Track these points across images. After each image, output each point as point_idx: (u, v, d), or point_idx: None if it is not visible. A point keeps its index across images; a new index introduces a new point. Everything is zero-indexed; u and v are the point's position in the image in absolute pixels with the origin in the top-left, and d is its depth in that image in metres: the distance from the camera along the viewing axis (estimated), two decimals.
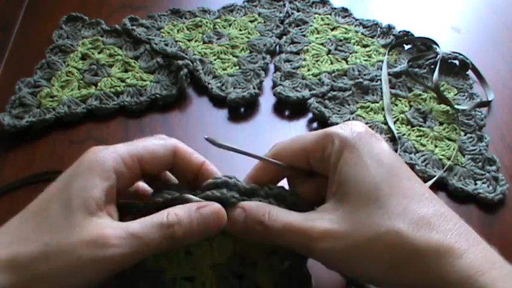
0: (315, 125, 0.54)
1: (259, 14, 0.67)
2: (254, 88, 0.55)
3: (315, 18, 0.66)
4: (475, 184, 0.48)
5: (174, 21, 0.65)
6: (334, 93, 0.56)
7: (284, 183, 0.37)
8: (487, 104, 0.56)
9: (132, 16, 0.64)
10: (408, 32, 0.63)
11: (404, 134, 0.52)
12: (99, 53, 0.60)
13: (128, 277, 0.33)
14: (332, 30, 0.65)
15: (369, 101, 0.55)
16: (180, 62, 0.56)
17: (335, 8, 0.68)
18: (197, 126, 0.53)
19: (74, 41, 0.61)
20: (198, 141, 0.51)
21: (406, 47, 0.63)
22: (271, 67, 0.60)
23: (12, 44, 0.62)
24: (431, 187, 0.47)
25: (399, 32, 0.63)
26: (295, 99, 0.55)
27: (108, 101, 0.54)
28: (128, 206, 0.34)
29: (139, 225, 0.30)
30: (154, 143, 0.34)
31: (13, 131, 0.50)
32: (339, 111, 0.54)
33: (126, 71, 0.58)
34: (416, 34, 0.63)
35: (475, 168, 0.49)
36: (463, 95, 0.57)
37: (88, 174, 0.31)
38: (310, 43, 0.62)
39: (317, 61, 0.60)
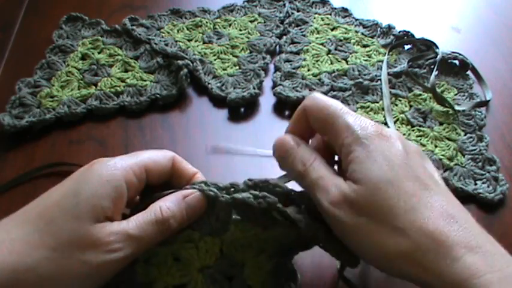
0: None
1: (259, 14, 0.67)
2: (254, 88, 0.55)
3: (315, 18, 0.66)
4: (475, 184, 0.48)
5: (174, 21, 0.65)
6: (334, 93, 0.56)
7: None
8: (485, 103, 0.56)
9: (132, 16, 0.64)
10: (408, 32, 0.63)
11: (404, 134, 0.52)
12: (99, 53, 0.60)
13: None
14: (332, 30, 0.65)
15: (369, 101, 0.55)
16: (180, 62, 0.56)
17: (335, 8, 0.68)
18: (197, 126, 0.53)
19: (74, 41, 0.61)
20: (198, 141, 0.52)
21: (406, 47, 0.63)
22: (271, 67, 0.60)
23: (12, 44, 0.62)
24: None
25: (399, 32, 0.63)
26: (295, 99, 0.55)
27: (108, 101, 0.54)
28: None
29: (137, 226, 0.31)
30: (156, 153, 0.35)
31: (13, 131, 0.50)
32: None
33: (126, 71, 0.58)
34: (416, 34, 0.63)
35: (475, 168, 0.49)
36: (463, 95, 0.57)
37: (99, 182, 0.31)
38: (310, 43, 0.62)
39: (317, 61, 0.60)
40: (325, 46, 0.62)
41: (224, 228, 0.34)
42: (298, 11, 0.67)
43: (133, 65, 0.58)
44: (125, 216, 0.33)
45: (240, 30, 0.64)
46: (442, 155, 0.50)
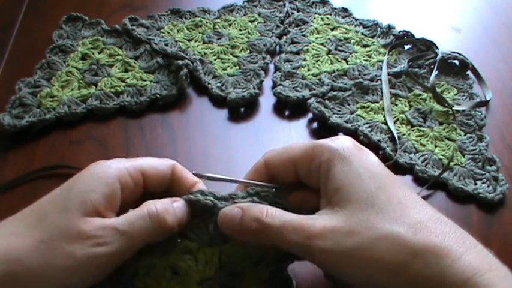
0: (315, 125, 0.54)
1: (259, 14, 0.67)
2: (254, 88, 0.55)
3: (315, 18, 0.66)
4: (475, 184, 0.48)
5: (174, 21, 0.65)
6: (334, 93, 0.56)
7: None
8: (485, 103, 0.56)
9: (132, 16, 0.64)
10: (408, 32, 0.63)
11: (404, 134, 0.52)
12: (99, 53, 0.60)
13: None
14: (332, 30, 0.65)
15: (369, 101, 0.55)
16: (180, 62, 0.56)
17: (335, 8, 0.68)
18: (197, 126, 0.53)
19: (74, 41, 0.61)
20: (198, 141, 0.52)
21: (406, 47, 0.63)
22: (271, 67, 0.60)
23: (12, 44, 0.62)
24: (431, 187, 0.48)
25: (399, 32, 0.63)
26: (295, 99, 0.55)
27: (108, 101, 0.54)
28: None
29: (126, 220, 0.31)
30: (155, 160, 0.35)
31: (13, 131, 0.50)
32: (339, 111, 0.54)
33: (126, 71, 0.58)
34: (416, 34, 0.63)
35: (475, 168, 0.49)
36: (463, 95, 0.57)
37: (90, 178, 0.32)
38: (310, 43, 0.62)
39: (317, 61, 0.60)
40: (325, 46, 0.62)
41: (223, 238, 0.34)
42: (298, 11, 0.67)
43: (134, 65, 0.58)
44: None
45: (240, 30, 0.64)
46: (442, 155, 0.50)
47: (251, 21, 0.65)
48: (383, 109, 0.54)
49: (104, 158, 0.35)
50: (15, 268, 0.29)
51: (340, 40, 0.63)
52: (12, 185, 0.46)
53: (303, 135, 0.53)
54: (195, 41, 0.62)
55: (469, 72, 0.60)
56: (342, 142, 0.33)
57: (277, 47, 0.63)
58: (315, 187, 0.34)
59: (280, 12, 0.67)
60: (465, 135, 0.52)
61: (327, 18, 0.67)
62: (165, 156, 0.48)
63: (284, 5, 0.68)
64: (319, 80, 0.58)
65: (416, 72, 0.58)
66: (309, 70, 0.59)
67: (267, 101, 0.56)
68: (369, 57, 0.61)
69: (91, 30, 0.63)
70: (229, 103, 0.54)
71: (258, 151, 0.50)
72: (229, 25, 0.65)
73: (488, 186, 0.47)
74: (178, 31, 0.63)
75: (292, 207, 0.34)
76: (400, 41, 0.62)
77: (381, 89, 0.56)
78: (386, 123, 0.53)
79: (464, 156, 0.50)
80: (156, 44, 0.60)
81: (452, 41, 0.65)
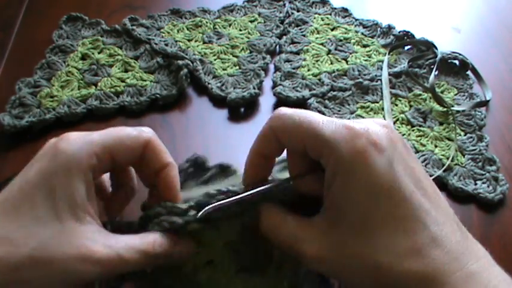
0: None
1: (259, 14, 0.67)
2: (254, 88, 0.55)
3: (315, 18, 0.66)
4: (475, 184, 0.48)
5: (174, 21, 0.65)
6: (334, 93, 0.56)
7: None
8: (485, 103, 0.56)
9: (132, 16, 0.64)
10: (408, 32, 0.63)
11: (404, 134, 0.52)
12: (99, 53, 0.60)
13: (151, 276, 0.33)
14: (332, 30, 0.65)
15: (369, 101, 0.55)
16: (180, 62, 0.56)
17: (335, 8, 0.68)
18: (197, 126, 0.53)
19: (74, 41, 0.61)
20: (198, 141, 0.52)
21: (406, 47, 0.63)
22: (271, 67, 0.60)
23: (12, 44, 0.62)
24: None
25: (399, 32, 0.63)
26: (295, 99, 0.55)
27: (108, 101, 0.54)
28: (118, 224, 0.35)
29: (126, 247, 0.30)
30: (129, 135, 0.33)
31: (13, 131, 0.50)
32: (339, 111, 0.54)
33: (126, 71, 0.58)
34: (416, 34, 0.63)
35: (475, 168, 0.49)
36: (463, 95, 0.57)
37: (68, 176, 0.30)
38: (310, 43, 0.62)
39: (317, 61, 0.60)
40: (325, 46, 0.62)
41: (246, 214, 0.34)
42: (298, 11, 0.67)
43: (133, 65, 0.58)
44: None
45: (240, 30, 0.64)
46: (442, 155, 0.50)
47: (251, 21, 0.65)
48: (383, 109, 0.55)
49: None
50: (8, 278, 0.28)
51: (340, 40, 0.63)
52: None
53: None
54: (195, 41, 0.62)
55: (469, 72, 0.60)
56: (352, 143, 0.29)
57: (277, 47, 0.63)
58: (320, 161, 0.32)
59: (280, 12, 0.67)
60: (465, 135, 0.52)
61: (327, 18, 0.67)
62: None
63: (284, 5, 0.68)
64: (319, 80, 0.58)
65: (416, 72, 0.58)
66: (309, 70, 0.59)
67: (267, 101, 0.56)
68: (369, 57, 0.61)
69: (91, 30, 0.63)
70: (229, 103, 0.54)
71: None
72: (229, 25, 0.65)
73: (488, 186, 0.47)
74: (178, 31, 0.63)
75: (302, 198, 0.33)
76: (399, 42, 0.62)
77: (381, 89, 0.56)
78: None
79: (464, 156, 0.50)
80: (156, 44, 0.60)
81: (452, 41, 0.65)
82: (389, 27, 0.64)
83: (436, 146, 0.51)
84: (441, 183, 0.48)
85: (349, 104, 0.55)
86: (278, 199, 0.34)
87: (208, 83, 0.56)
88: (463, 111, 0.54)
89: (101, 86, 0.55)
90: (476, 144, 0.51)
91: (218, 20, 0.65)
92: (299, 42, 0.63)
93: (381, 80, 0.57)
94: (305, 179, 0.33)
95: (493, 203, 0.46)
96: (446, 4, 0.72)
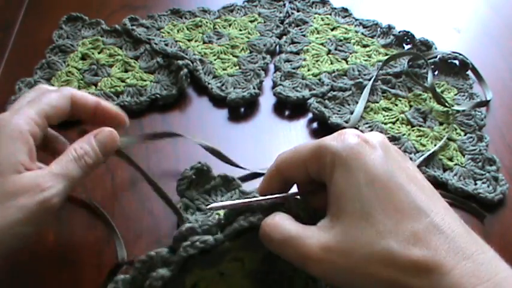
0: (315, 125, 0.54)
1: (259, 14, 0.67)
2: (254, 88, 0.55)
3: (315, 18, 0.66)
4: (475, 184, 0.48)
5: (174, 21, 0.65)
6: (334, 93, 0.56)
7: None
8: (485, 103, 0.56)
9: (132, 16, 0.64)
10: (408, 32, 0.63)
11: (404, 134, 0.52)
12: (99, 53, 0.60)
13: None
14: (332, 30, 0.65)
15: (369, 101, 0.55)
16: (180, 62, 0.56)
17: (335, 8, 0.68)
18: (197, 126, 0.53)
19: (74, 41, 0.61)
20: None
21: (406, 47, 0.63)
22: (271, 67, 0.60)
23: (12, 44, 0.62)
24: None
25: (399, 32, 0.63)
26: (295, 99, 0.55)
27: (108, 101, 0.54)
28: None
29: (59, 165, 0.35)
30: (54, 97, 0.38)
31: None
32: (339, 111, 0.54)
33: (126, 71, 0.58)
34: (416, 34, 0.63)
35: (475, 168, 0.49)
36: (463, 95, 0.57)
37: (10, 141, 0.35)
38: (310, 43, 0.62)
39: (317, 61, 0.60)
40: (325, 46, 0.62)
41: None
42: (298, 11, 0.67)
43: (134, 65, 0.58)
44: None
45: (240, 30, 0.64)
46: (442, 155, 0.50)
47: (251, 21, 0.65)
48: (383, 109, 0.55)
49: None
50: None
51: (340, 40, 0.63)
52: None
53: (303, 135, 0.53)
54: (195, 41, 0.62)
55: (469, 72, 0.60)
56: (346, 141, 0.31)
57: (277, 47, 0.63)
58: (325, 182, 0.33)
59: (280, 12, 0.67)
60: (465, 135, 0.52)
61: (327, 18, 0.67)
62: (166, 157, 0.48)
63: (284, 5, 0.68)
64: (319, 80, 0.58)
65: (416, 72, 0.58)
66: (309, 70, 0.59)
67: (267, 101, 0.56)
68: (369, 57, 0.61)
69: (91, 30, 0.63)
70: (229, 103, 0.54)
71: (258, 151, 0.51)
72: (229, 25, 0.65)
73: (488, 186, 0.47)
74: (178, 31, 0.63)
75: (316, 212, 0.33)
76: (393, 54, 0.62)
77: (381, 88, 0.56)
78: (386, 123, 0.53)
79: (464, 156, 0.50)
80: (156, 44, 0.60)
81: (452, 41, 0.65)
82: (389, 27, 0.64)
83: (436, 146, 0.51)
84: (441, 183, 0.48)
85: (349, 104, 0.55)
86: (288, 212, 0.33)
87: (208, 83, 0.56)
88: (463, 111, 0.54)
89: (101, 86, 0.55)
90: (476, 144, 0.51)
91: (218, 20, 0.65)
92: (299, 42, 0.63)
93: (380, 80, 0.57)
94: (315, 196, 0.34)
95: (493, 203, 0.46)
96: (446, 4, 0.72)
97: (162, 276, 0.31)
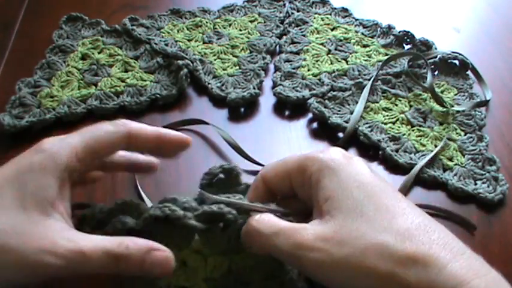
0: (314, 125, 0.54)
1: (259, 14, 0.67)
2: (254, 88, 0.55)
3: (315, 18, 0.66)
4: (475, 184, 0.48)
5: (174, 21, 0.65)
6: (334, 93, 0.56)
7: None
8: (485, 103, 0.56)
9: (132, 16, 0.64)
10: (408, 32, 0.63)
11: (404, 134, 0.52)
12: (99, 53, 0.60)
13: (121, 281, 0.33)
14: (332, 30, 0.65)
15: (369, 101, 0.55)
16: (180, 62, 0.56)
17: (335, 8, 0.68)
18: (197, 127, 0.53)
19: (74, 41, 0.61)
20: (198, 141, 0.52)
21: (406, 47, 0.63)
22: (271, 67, 0.60)
23: (12, 44, 0.62)
24: (430, 183, 0.48)
25: (399, 32, 0.63)
26: (295, 99, 0.55)
27: (108, 101, 0.54)
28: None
29: (92, 245, 0.29)
30: (108, 133, 0.34)
31: (13, 131, 0.50)
32: (339, 111, 0.54)
33: (126, 71, 0.58)
34: (417, 34, 0.63)
35: (475, 168, 0.49)
36: (463, 95, 0.57)
37: (42, 173, 0.31)
38: (310, 43, 0.62)
39: (317, 61, 0.60)
40: (325, 46, 0.62)
41: (235, 251, 0.34)
42: (298, 11, 0.67)
43: (133, 65, 0.58)
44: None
45: (240, 30, 0.64)
46: (442, 155, 0.50)
47: (251, 21, 0.65)
48: (383, 109, 0.55)
49: None
50: None
51: (340, 40, 0.63)
52: None
53: (303, 135, 0.53)
54: (195, 41, 0.62)
55: (469, 72, 0.60)
56: (331, 154, 0.34)
57: (277, 47, 0.63)
58: (307, 199, 0.34)
59: (280, 12, 0.67)
60: (465, 135, 0.52)
61: (327, 18, 0.67)
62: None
63: (284, 5, 0.68)
64: (319, 80, 0.58)
65: (416, 72, 0.58)
66: (309, 70, 0.59)
67: (267, 101, 0.56)
68: (369, 57, 0.61)
69: (91, 30, 0.63)
70: (229, 103, 0.54)
71: (258, 151, 0.51)
72: (229, 25, 0.65)
73: (488, 186, 0.47)
74: (178, 31, 0.63)
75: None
76: (391, 55, 0.62)
77: (381, 88, 0.56)
78: (386, 123, 0.53)
79: (464, 156, 0.50)
80: (156, 44, 0.60)
81: (452, 41, 0.65)
82: (389, 27, 0.64)
83: (436, 146, 0.51)
84: (441, 183, 0.48)
85: (349, 104, 0.55)
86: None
87: (208, 83, 0.56)
88: (463, 111, 0.54)
89: (101, 86, 0.55)
90: (476, 144, 0.51)
91: (218, 20, 0.65)
92: (299, 42, 0.63)
93: (380, 80, 0.57)
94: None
95: (493, 203, 0.46)
96: (446, 4, 0.72)
97: (125, 223, 0.33)
